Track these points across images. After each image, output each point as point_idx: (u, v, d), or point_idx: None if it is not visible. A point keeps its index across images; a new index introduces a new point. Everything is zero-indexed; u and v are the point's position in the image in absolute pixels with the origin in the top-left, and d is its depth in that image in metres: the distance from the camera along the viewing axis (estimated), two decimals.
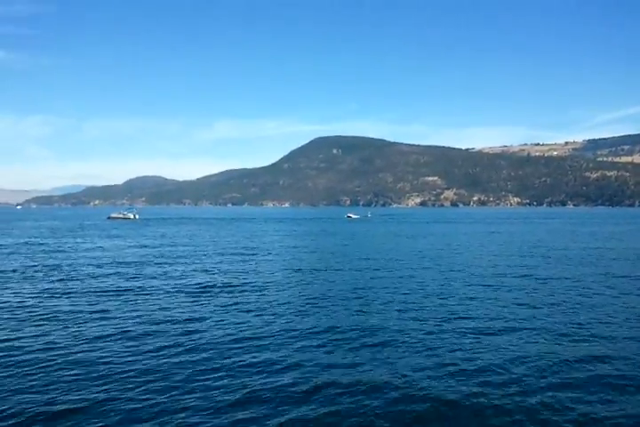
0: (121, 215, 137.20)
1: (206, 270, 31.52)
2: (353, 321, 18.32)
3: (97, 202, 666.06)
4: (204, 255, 41.03)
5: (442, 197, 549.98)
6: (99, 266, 34.13)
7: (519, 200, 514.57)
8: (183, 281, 27.65)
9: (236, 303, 21.59)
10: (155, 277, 28.88)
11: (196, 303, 21.68)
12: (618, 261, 38.04)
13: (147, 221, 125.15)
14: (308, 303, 21.62)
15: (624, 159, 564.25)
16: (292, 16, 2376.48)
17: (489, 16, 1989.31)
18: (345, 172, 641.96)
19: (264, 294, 23.74)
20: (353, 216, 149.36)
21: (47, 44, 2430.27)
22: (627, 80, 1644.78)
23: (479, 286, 26.05)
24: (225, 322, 18.16)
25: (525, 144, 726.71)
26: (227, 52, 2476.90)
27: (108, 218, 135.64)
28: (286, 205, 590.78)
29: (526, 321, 18.45)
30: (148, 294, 23.71)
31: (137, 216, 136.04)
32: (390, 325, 17.79)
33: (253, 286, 25.96)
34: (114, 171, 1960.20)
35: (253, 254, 42.38)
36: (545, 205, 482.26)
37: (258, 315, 19.35)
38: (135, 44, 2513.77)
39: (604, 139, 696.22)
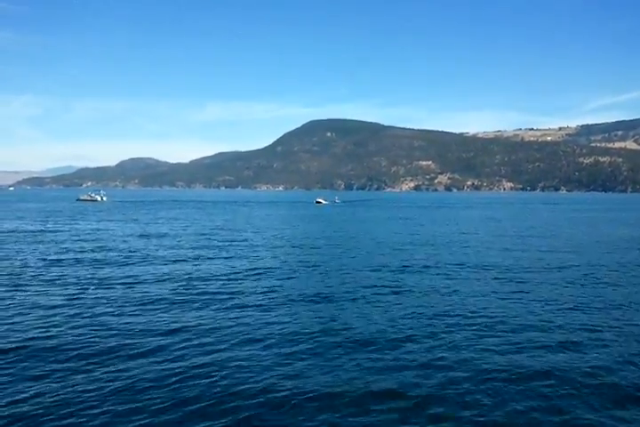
0: (89, 197, 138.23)
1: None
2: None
3: (89, 183, 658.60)
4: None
5: (436, 181, 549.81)
6: None
7: (512, 185, 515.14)
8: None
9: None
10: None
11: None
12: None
13: (117, 203, 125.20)
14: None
15: (617, 145, 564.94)
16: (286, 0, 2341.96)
17: (483, 2, 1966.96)
18: (339, 155, 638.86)
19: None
20: (323, 202, 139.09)
21: (36, 22, 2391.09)
22: (621, 66, 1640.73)
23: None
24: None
25: (519, 129, 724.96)
26: (220, 35, 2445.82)
27: (77, 200, 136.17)
28: (280, 188, 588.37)
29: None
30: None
31: (104, 198, 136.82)
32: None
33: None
34: (106, 152, 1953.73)
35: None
36: (538, 190, 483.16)
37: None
38: (126, 23, 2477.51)
39: (598, 124, 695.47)
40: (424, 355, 13.63)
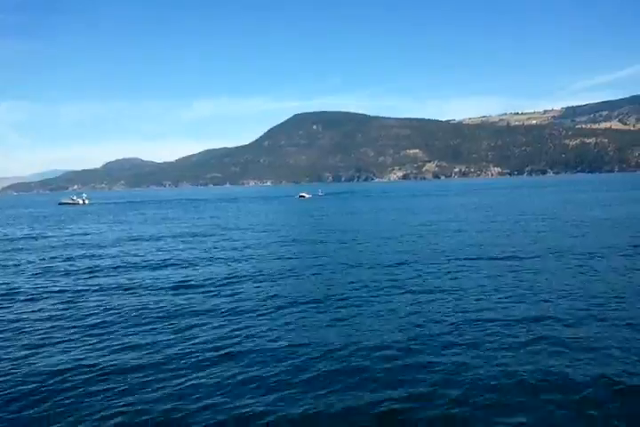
0: (70, 201, 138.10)
1: None
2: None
3: (76, 187, 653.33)
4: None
5: (423, 169, 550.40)
6: None
7: (500, 170, 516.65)
8: None
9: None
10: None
11: None
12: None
13: (99, 205, 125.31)
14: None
15: (602, 125, 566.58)
16: None
17: None
18: (326, 147, 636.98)
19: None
20: (306, 196, 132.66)
21: (21, 28, 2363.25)
22: (602, 47, 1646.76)
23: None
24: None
25: (505, 114, 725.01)
26: (204, 30, 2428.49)
27: (59, 204, 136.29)
28: (268, 183, 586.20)
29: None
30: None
31: (86, 201, 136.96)
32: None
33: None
34: (92, 155, 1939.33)
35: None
36: (525, 174, 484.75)
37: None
38: (109, 24, 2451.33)
39: (582, 106, 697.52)
40: (447, 358, 12.52)
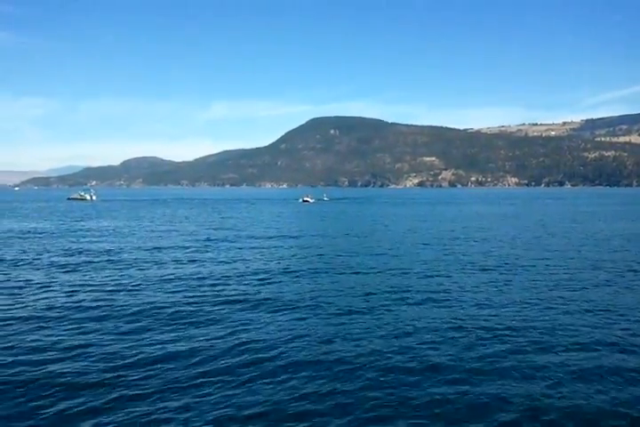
0: (78, 196, 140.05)
1: None
2: None
3: (94, 183, 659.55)
4: None
5: (440, 177, 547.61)
6: None
7: (517, 180, 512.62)
8: None
9: None
10: None
11: None
12: None
13: (106, 202, 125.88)
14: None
15: (622, 139, 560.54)
16: None
17: None
18: (343, 152, 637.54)
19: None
20: (310, 200, 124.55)
21: (43, 24, 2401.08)
22: (624, 60, 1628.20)
23: None
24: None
25: (523, 124, 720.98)
26: (223, 33, 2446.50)
27: (68, 199, 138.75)
28: (284, 185, 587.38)
29: None
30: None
31: (94, 197, 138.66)
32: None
33: None
34: (111, 152, 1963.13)
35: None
36: (543, 185, 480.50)
37: None
38: (131, 24, 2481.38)
39: (602, 119, 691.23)
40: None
